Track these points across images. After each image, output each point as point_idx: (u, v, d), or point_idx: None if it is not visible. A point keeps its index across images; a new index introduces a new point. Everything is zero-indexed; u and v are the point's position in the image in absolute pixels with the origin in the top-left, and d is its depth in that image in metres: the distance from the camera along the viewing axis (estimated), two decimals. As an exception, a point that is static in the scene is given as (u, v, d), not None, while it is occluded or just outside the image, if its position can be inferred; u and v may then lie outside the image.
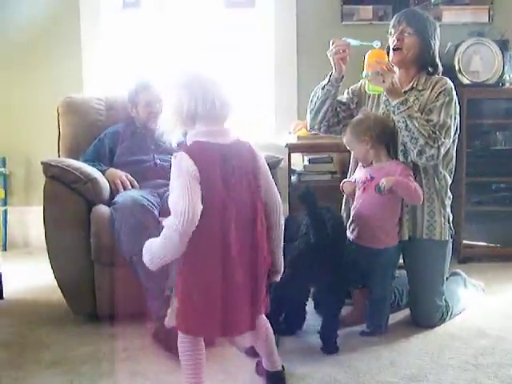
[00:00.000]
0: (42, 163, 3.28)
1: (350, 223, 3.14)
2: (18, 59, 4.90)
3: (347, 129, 3.15)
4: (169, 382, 2.62)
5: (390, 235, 3.09)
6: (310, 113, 3.33)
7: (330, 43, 3.12)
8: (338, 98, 3.29)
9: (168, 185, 3.34)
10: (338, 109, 3.30)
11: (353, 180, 3.21)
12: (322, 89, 3.23)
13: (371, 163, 3.11)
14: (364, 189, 3.09)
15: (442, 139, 3.00)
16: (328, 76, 3.20)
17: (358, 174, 3.18)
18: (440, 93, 3.11)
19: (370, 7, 4.72)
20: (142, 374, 2.67)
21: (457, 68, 4.08)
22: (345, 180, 3.26)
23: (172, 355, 2.80)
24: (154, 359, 2.83)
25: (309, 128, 3.42)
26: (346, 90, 3.35)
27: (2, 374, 2.71)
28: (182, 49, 4.93)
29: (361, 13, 4.73)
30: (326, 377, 2.61)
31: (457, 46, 4.13)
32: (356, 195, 3.14)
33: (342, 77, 3.18)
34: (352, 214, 3.15)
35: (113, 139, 3.71)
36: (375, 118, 3.13)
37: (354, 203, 3.14)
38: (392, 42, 3.19)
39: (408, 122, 2.99)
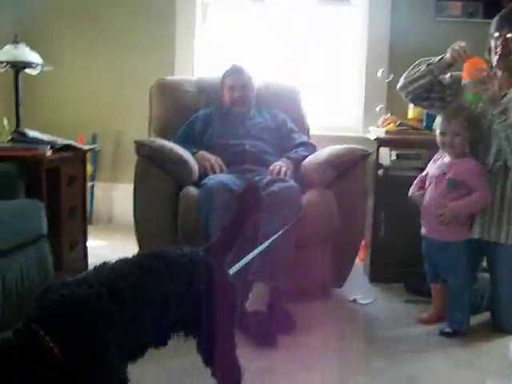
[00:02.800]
0: (135, 142, 3.34)
1: (422, 217, 3.15)
2: (113, 39, 5.01)
3: (449, 111, 3.12)
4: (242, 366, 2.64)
5: (458, 230, 3.09)
6: (405, 79, 3.33)
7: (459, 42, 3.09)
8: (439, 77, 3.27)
9: (255, 170, 3.42)
10: (434, 88, 3.27)
11: (424, 174, 3.22)
12: (427, 65, 3.21)
13: (448, 155, 3.11)
14: (436, 184, 3.09)
15: None
16: (439, 57, 3.17)
17: (431, 169, 3.18)
18: None
19: (460, 3, 4.64)
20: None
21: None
22: (413, 193, 3.26)
23: (250, 339, 2.86)
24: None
25: (398, 88, 3.41)
26: (450, 74, 3.29)
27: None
28: (274, 39, 4.95)
29: (451, 8, 4.65)
30: (401, 374, 2.60)
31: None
32: (428, 189, 3.15)
33: (450, 66, 3.16)
34: (422, 208, 3.16)
35: (204, 121, 3.75)
36: (475, 114, 3.11)
37: (425, 197, 3.14)
38: (496, 46, 3.11)
39: (509, 132, 2.95)
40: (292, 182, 3.28)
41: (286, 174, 3.41)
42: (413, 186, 3.28)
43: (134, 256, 1.97)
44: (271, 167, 3.44)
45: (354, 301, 3.47)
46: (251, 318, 2.91)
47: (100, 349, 1.62)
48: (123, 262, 1.91)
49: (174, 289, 1.91)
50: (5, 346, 1.55)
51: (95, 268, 1.87)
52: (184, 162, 3.32)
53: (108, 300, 1.69)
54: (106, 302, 1.68)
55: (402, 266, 3.73)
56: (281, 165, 3.46)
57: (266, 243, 2.50)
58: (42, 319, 1.57)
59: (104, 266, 1.88)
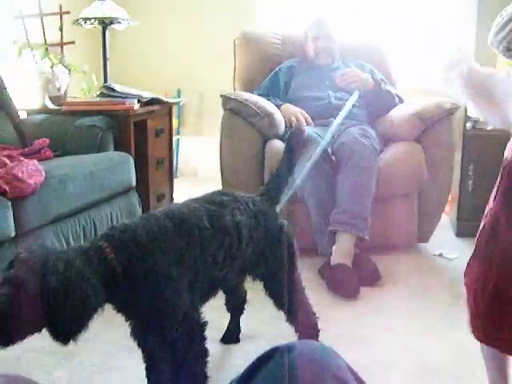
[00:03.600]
0: (221, 96, 3.36)
1: None
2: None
3: None
4: (327, 316, 2.66)
5: None
6: (496, 26, 3.22)
7: None
8: None
9: (342, 123, 3.39)
10: None
11: None
12: None
13: None
14: None
15: None
16: None
17: None
18: None
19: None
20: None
21: None
22: None
23: (333, 293, 2.88)
24: (316, 294, 2.88)
25: (488, 42, 3.31)
26: None
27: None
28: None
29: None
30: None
31: None
32: None
33: None
34: None
35: (288, 74, 3.74)
36: None
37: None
38: None
39: None
40: (366, 129, 3.28)
41: (355, 78, 3.46)
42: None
43: (203, 195, 2.01)
44: (339, 74, 3.51)
45: (440, 255, 3.43)
46: (335, 270, 2.93)
47: (154, 279, 1.68)
48: (193, 200, 1.95)
49: (245, 224, 1.93)
50: (73, 248, 1.67)
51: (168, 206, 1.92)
52: (270, 116, 3.31)
53: (173, 233, 1.74)
54: (169, 234, 1.74)
55: (490, 220, 3.65)
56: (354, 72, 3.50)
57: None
58: (107, 238, 1.68)
59: (175, 204, 1.93)
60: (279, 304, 2.10)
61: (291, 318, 2.11)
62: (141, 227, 1.71)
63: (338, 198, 3.06)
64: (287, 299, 2.07)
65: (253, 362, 1.10)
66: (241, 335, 2.43)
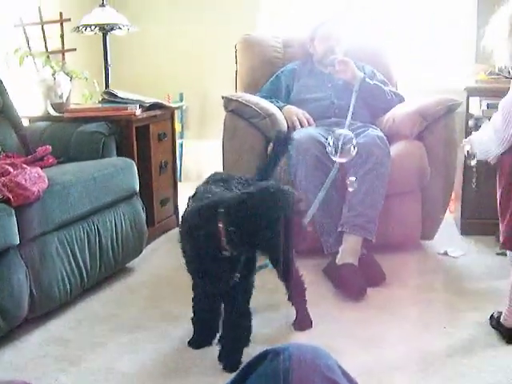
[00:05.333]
0: (222, 98, 3.37)
1: None
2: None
3: None
4: (333, 317, 2.67)
5: None
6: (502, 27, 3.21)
7: None
8: None
9: (344, 123, 3.39)
10: None
11: None
12: None
13: None
14: None
15: None
16: None
17: None
18: None
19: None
20: (314, 307, 2.72)
21: None
22: None
23: (340, 292, 2.88)
24: (322, 294, 2.89)
25: (491, 43, 3.29)
26: None
27: (180, 294, 2.84)
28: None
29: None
30: (490, 328, 2.56)
31: None
32: None
33: None
34: None
35: (290, 76, 3.74)
36: None
37: None
38: None
39: None
40: (378, 132, 3.26)
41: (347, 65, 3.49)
42: None
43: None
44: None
45: (445, 253, 3.42)
46: (342, 271, 2.93)
47: None
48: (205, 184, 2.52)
49: None
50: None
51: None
52: (271, 116, 3.32)
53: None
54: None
55: (494, 217, 3.64)
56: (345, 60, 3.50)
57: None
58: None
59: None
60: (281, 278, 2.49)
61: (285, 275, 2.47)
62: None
63: (351, 200, 3.06)
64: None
65: (244, 366, 1.12)
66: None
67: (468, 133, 3.73)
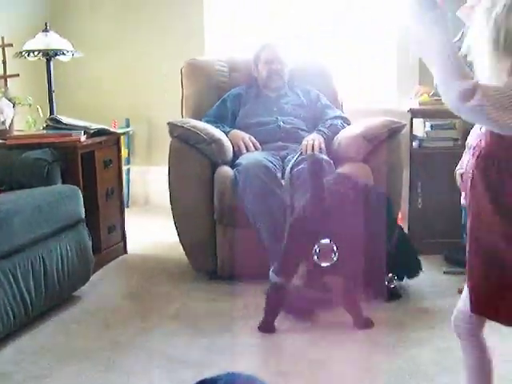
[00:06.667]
0: (168, 124, 3.37)
1: (461, 187, 3.09)
2: (140, 22, 5.00)
3: None
4: (287, 339, 2.67)
5: None
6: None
7: None
8: None
9: (289, 147, 3.42)
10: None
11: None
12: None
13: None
14: (473, 153, 3.01)
15: None
16: (461, 33, 3.12)
17: (470, 138, 3.09)
18: None
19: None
20: (260, 331, 2.73)
21: None
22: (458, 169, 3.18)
23: (287, 314, 2.87)
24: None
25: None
26: None
27: (127, 323, 2.85)
28: (302, 13, 4.90)
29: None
30: (441, 344, 2.57)
31: None
32: (466, 159, 3.06)
33: None
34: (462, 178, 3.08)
35: (236, 101, 3.75)
36: None
37: (465, 168, 3.06)
38: None
39: None
40: (325, 157, 3.27)
41: (319, 148, 3.40)
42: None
43: None
44: (304, 142, 3.43)
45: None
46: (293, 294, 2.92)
47: None
48: None
49: None
50: None
51: None
52: (217, 142, 3.32)
53: None
54: None
55: (441, 237, 3.71)
56: (313, 139, 3.44)
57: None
58: None
59: None
60: None
61: None
62: None
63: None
64: None
65: None
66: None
67: (413, 154, 3.78)
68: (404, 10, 1.66)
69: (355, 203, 2.78)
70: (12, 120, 3.61)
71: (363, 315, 2.76)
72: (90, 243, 3.23)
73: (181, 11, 4.92)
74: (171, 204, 3.35)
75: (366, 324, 2.74)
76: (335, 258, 2.64)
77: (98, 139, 3.58)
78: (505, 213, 1.67)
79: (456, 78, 1.56)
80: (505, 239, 1.66)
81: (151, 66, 5.02)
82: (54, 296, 2.93)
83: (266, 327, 2.73)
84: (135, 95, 5.08)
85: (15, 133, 3.62)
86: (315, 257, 2.66)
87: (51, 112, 3.97)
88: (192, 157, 3.30)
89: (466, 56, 1.65)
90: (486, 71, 1.61)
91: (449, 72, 1.58)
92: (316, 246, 2.63)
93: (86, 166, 3.45)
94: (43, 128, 3.61)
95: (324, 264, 2.67)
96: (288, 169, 3.20)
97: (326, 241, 2.64)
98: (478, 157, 1.80)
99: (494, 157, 1.75)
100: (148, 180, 5.14)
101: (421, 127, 3.83)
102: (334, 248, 2.64)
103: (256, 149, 3.46)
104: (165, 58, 4.91)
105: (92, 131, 3.55)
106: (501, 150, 1.73)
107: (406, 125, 3.54)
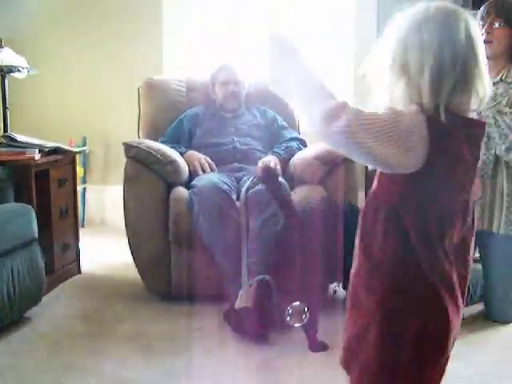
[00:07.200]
0: (123, 144, 3.35)
1: None
2: (98, 40, 4.99)
3: None
4: (240, 362, 2.66)
5: None
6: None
7: None
8: None
9: (245, 169, 3.42)
10: None
11: None
12: None
13: None
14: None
15: None
16: None
17: None
18: None
19: (450, -4, 4.63)
20: (215, 353, 2.72)
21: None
22: None
23: (241, 336, 2.86)
24: (227, 339, 2.87)
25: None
26: None
27: (80, 345, 2.80)
28: (261, 31, 4.93)
29: (442, -1, 4.65)
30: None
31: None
32: None
33: None
34: None
35: (192, 121, 3.74)
36: None
37: None
38: (481, 34, 3.10)
39: (498, 118, 2.95)
40: (281, 179, 3.28)
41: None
42: None
43: None
44: (259, 163, 3.44)
45: (335, 291, 3.44)
46: (240, 315, 2.90)
47: None
48: None
49: None
50: None
51: None
52: (173, 163, 3.31)
53: None
54: None
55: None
56: (269, 160, 3.46)
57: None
58: None
59: None
60: None
61: None
62: None
63: (251, 247, 3.06)
64: None
65: None
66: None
67: (368, 176, 3.82)
68: (265, 54, 1.62)
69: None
70: (-35, 137, 3.56)
71: (318, 338, 2.76)
72: (42, 263, 3.18)
73: (140, 30, 4.93)
74: (126, 224, 3.32)
75: (322, 347, 2.73)
76: (306, 320, 2.66)
77: (53, 158, 3.54)
78: None
79: (320, 101, 1.42)
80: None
81: (109, 84, 5.00)
82: (4, 317, 2.87)
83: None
84: (92, 113, 5.05)
85: (-33, 150, 3.56)
86: (288, 318, 2.67)
87: (5, 129, 3.93)
88: (147, 177, 3.28)
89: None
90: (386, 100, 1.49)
91: (312, 97, 1.46)
92: (288, 308, 2.64)
93: (41, 185, 3.41)
94: (-3, 145, 3.56)
95: (296, 325, 2.69)
96: (243, 190, 3.20)
97: (297, 303, 2.65)
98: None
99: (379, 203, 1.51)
100: (104, 199, 5.11)
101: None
102: (306, 309, 2.65)
103: (212, 170, 3.46)
104: (123, 76, 4.89)
105: (47, 149, 3.51)
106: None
107: (361, 147, 3.57)
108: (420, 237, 1.42)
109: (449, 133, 1.39)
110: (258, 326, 2.87)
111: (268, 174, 2.82)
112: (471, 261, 1.55)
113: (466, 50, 1.39)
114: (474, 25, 1.43)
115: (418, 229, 1.43)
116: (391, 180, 1.49)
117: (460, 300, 1.50)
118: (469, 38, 1.40)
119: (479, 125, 1.48)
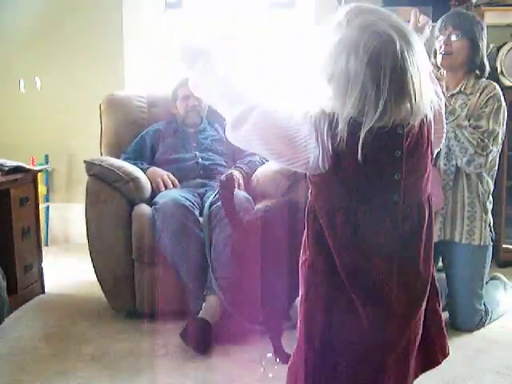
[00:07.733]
0: (84, 162, 3.33)
1: None
2: (61, 56, 4.95)
3: None
4: (205, 379, 2.65)
5: None
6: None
7: None
8: None
9: (208, 184, 3.42)
10: None
11: None
12: None
13: None
14: None
15: (491, 147, 3.00)
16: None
17: None
18: (489, 99, 3.08)
19: (409, 8, 4.67)
20: (180, 370, 2.71)
21: (499, 70, 4.04)
22: None
23: (200, 354, 2.86)
24: (193, 356, 2.86)
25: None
26: None
27: (43, 366, 2.77)
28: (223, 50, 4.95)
29: (400, 13, 4.69)
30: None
31: (499, 48, 4.09)
32: None
33: None
34: None
35: (154, 137, 3.74)
36: None
37: None
38: (440, 46, 3.16)
39: (457, 132, 2.99)
40: (244, 193, 3.29)
41: (238, 184, 3.41)
42: None
43: None
44: (222, 178, 3.43)
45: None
46: (191, 325, 2.92)
47: None
48: None
49: None
50: None
51: None
52: (135, 180, 3.30)
53: None
54: None
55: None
56: (233, 175, 3.45)
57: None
58: None
59: None
60: None
61: None
62: None
63: (214, 263, 3.05)
64: None
65: None
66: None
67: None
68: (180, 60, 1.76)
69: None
70: None
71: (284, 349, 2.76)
72: (4, 283, 3.15)
73: (101, 46, 4.90)
74: (89, 242, 3.30)
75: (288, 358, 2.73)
76: None
77: (13, 177, 3.51)
78: None
79: (228, 107, 1.59)
80: None
81: (71, 101, 4.96)
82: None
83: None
84: (55, 131, 5.00)
85: None
86: None
87: (-36, 149, 3.88)
88: (109, 195, 3.26)
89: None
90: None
91: (222, 103, 1.62)
92: None
93: (1, 204, 3.38)
94: (-45, 166, 3.52)
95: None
96: (206, 205, 3.20)
97: None
98: None
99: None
100: (68, 218, 5.06)
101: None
102: None
103: (174, 186, 3.45)
104: (85, 93, 4.86)
105: (7, 168, 3.48)
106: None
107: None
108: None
109: (349, 139, 1.48)
110: (204, 337, 2.88)
111: (226, 180, 2.82)
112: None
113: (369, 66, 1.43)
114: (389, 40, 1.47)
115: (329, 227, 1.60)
116: (310, 181, 1.66)
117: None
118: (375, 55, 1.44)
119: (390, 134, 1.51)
